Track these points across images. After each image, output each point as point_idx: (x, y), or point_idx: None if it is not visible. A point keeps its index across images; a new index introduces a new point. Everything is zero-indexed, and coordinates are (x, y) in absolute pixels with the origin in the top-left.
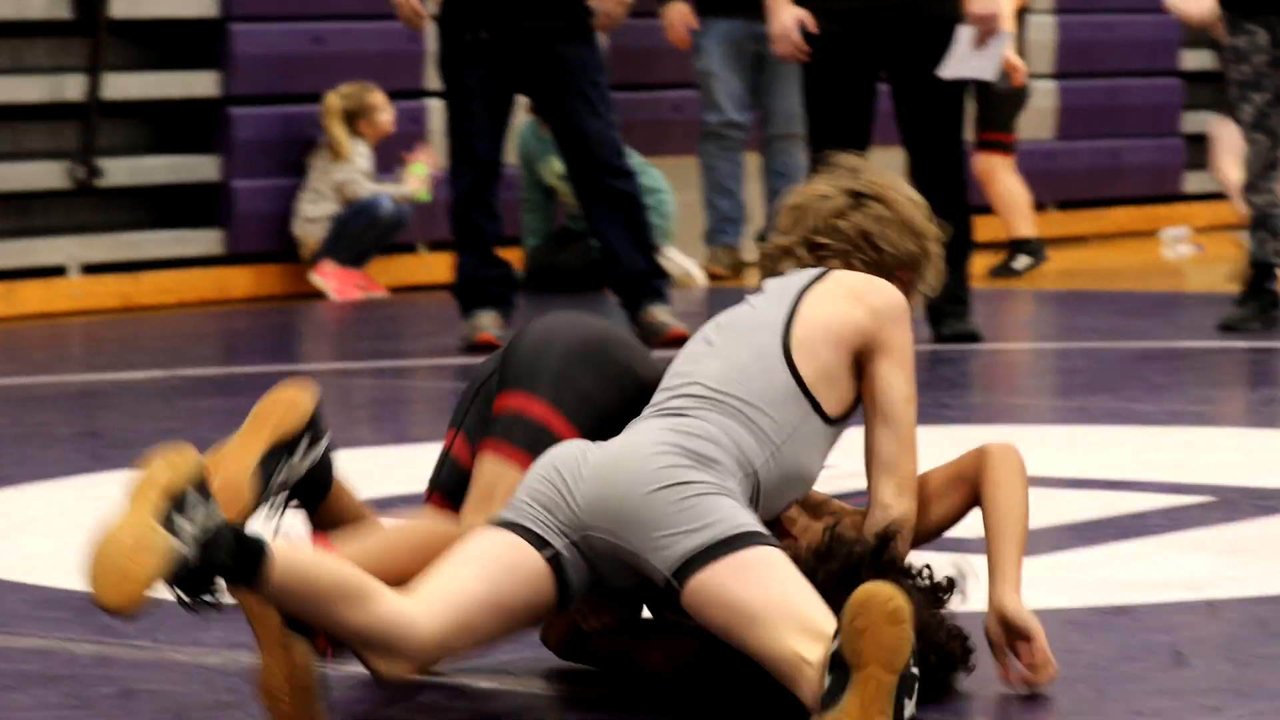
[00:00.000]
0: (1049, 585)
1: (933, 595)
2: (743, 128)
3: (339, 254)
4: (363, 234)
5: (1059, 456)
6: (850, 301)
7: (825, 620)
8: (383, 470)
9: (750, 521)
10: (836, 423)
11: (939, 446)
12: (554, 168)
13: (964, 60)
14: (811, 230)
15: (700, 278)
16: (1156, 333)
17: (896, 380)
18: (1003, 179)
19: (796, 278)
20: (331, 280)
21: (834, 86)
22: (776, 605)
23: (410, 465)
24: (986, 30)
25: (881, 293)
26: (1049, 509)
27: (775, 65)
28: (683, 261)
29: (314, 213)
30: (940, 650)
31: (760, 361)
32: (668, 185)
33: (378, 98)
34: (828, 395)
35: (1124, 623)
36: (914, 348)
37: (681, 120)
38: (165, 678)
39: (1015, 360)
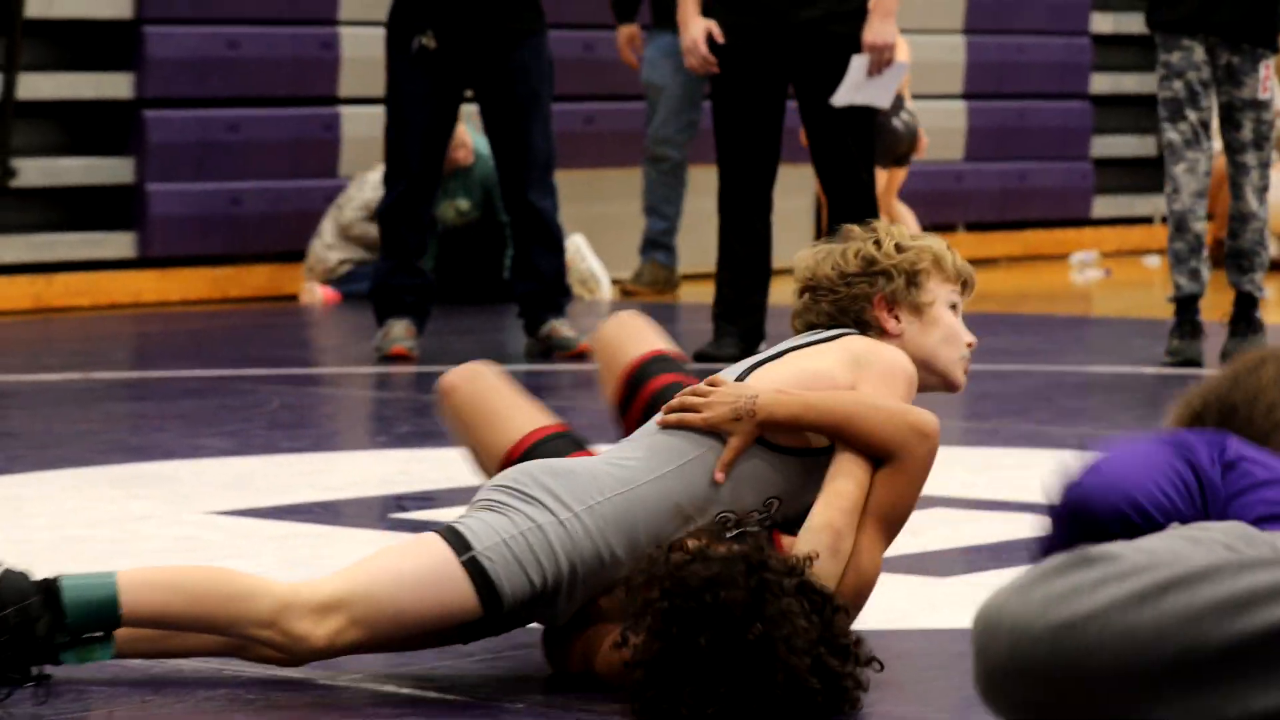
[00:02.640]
0: (963, 605)
1: (821, 612)
2: (680, 145)
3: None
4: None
5: (973, 478)
6: (829, 356)
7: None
8: (298, 477)
9: (469, 531)
10: (793, 453)
11: None
12: (458, 206)
13: (857, 88)
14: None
15: (606, 285)
16: (1066, 356)
17: None
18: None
19: (805, 335)
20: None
21: (741, 102)
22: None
23: (327, 472)
24: (880, 60)
25: (872, 352)
26: (963, 530)
27: None
28: (591, 261)
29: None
30: (821, 667)
31: None
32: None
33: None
34: (779, 432)
35: None
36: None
37: (592, 133)
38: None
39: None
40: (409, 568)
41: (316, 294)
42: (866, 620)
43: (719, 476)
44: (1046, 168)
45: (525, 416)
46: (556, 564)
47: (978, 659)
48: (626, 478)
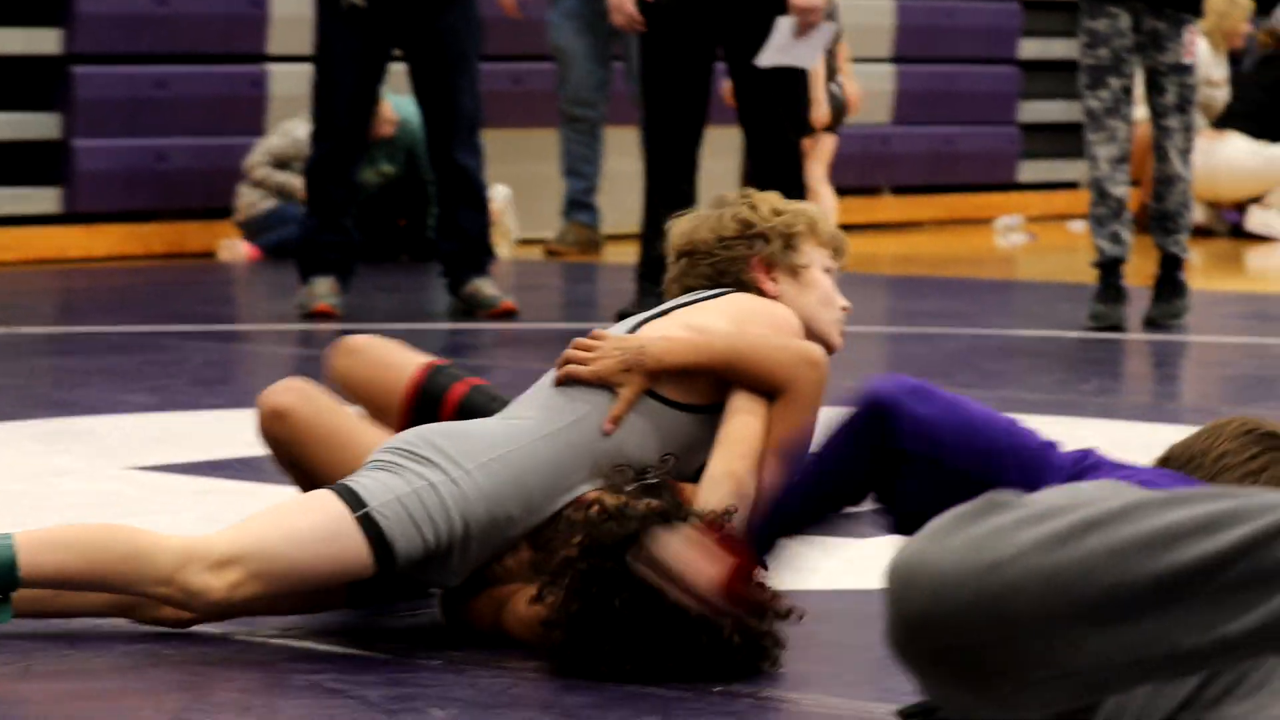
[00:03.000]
0: (880, 565)
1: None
2: (595, 105)
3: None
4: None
5: None
6: (714, 311)
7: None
8: (221, 433)
9: (363, 488)
10: (686, 409)
11: None
12: (382, 170)
13: (783, 49)
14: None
15: (510, 242)
16: (990, 320)
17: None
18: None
19: (689, 295)
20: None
21: (669, 62)
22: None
23: (249, 429)
24: (806, 22)
25: (759, 309)
26: None
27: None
28: (508, 215)
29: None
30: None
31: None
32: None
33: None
34: (671, 386)
35: None
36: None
37: (520, 92)
38: None
39: (849, 343)
40: (304, 523)
41: (239, 250)
42: (786, 580)
43: (608, 427)
44: (974, 132)
45: (373, 435)
46: (450, 521)
47: (894, 609)
48: (520, 435)
